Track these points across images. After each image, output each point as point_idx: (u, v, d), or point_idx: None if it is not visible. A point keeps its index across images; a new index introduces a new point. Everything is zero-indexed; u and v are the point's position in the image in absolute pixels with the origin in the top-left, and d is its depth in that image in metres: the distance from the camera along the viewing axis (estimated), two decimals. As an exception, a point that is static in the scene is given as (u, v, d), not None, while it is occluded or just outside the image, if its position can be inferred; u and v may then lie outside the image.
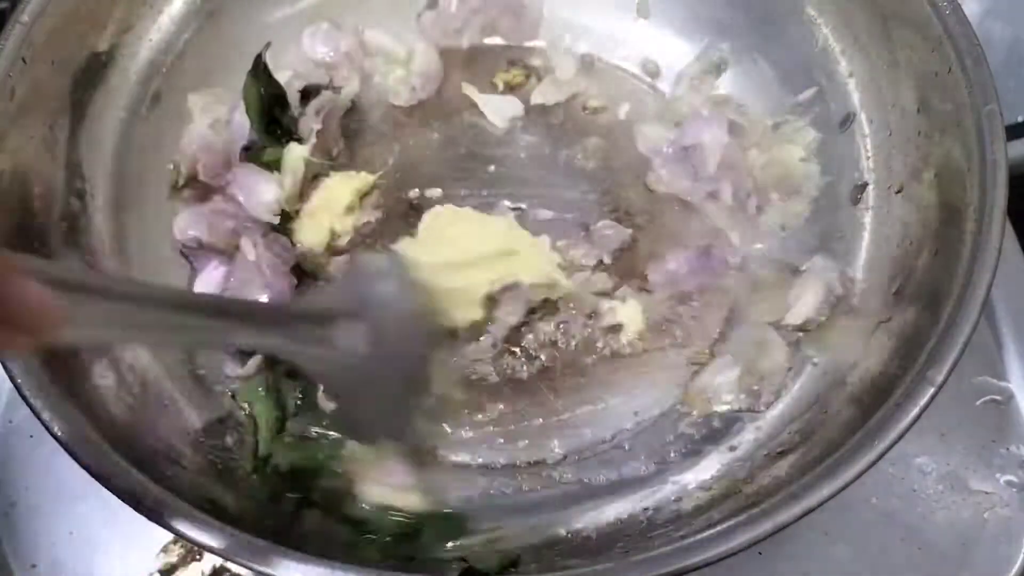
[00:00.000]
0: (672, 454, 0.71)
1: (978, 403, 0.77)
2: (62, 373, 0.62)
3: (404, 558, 0.64)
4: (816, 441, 0.64)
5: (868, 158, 0.79)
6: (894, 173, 0.76)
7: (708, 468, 0.69)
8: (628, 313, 0.78)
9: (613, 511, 0.68)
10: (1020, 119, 0.87)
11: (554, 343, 0.77)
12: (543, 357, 0.77)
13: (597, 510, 0.68)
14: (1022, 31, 0.91)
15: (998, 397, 0.78)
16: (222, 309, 0.57)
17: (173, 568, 0.72)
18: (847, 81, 0.80)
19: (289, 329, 0.58)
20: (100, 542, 0.73)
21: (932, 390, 0.57)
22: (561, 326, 0.77)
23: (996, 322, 0.81)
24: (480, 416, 0.74)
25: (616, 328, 0.77)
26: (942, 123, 0.69)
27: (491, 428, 0.74)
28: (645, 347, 0.77)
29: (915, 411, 0.57)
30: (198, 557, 0.73)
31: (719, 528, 0.56)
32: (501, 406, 0.75)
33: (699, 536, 0.56)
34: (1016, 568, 0.72)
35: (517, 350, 0.77)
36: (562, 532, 0.67)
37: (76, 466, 0.58)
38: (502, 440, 0.74)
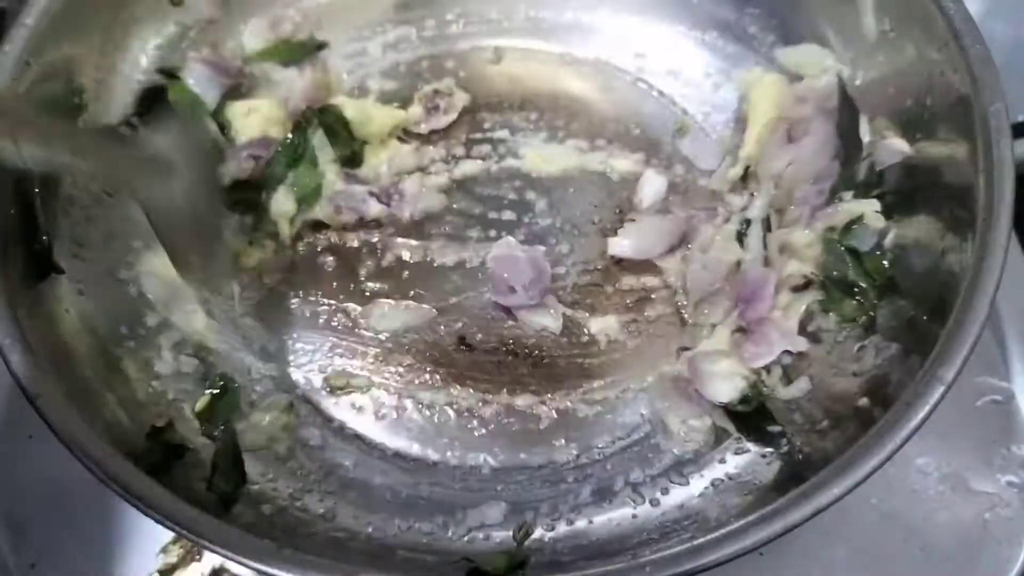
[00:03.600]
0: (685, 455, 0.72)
1: (979, 403, 0.77)
2: (63, 372, 0.62)
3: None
4: (826, 441, 0.64)
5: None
6: (900, 175, 0.76)
7: (717, 469, 0.70)
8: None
9: (625, 512, 0.69)
10: (1022, 118, 0.87)
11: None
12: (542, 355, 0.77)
13: (608, 511, 0.69)
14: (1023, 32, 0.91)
15: (999, 397, 0.78)
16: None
17: (172, 568, 0.72)
18: (853, 83, 0.80)
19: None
20: (100, 542, 0.72)
21: (942, 388, 0.57)
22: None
23: (998, 322, 0.81)
24: (486, 415, 0.75)
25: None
26: (948, 123, 0.69)
27: (497, 428, 0.74)
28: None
29: (926, 409, 0.57)
30: (197, 557, 0.72)
31: (729, 528, 0.55)
32: (506, 405, 0.75)
33: (709, 536, 0.55)
34: (1017, 568, 0.72)
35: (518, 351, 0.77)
36: (572, 532, 0.67)
37: (76, 466, 0.57)
38: (509, 442, 0.74)
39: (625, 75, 0.91)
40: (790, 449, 0.68)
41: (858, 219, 0.75)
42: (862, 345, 0.70)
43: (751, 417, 0.72)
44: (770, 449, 0.69)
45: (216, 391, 0.73)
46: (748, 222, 0.80)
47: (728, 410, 0.72)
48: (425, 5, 0.93)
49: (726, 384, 0.73)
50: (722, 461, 0.70)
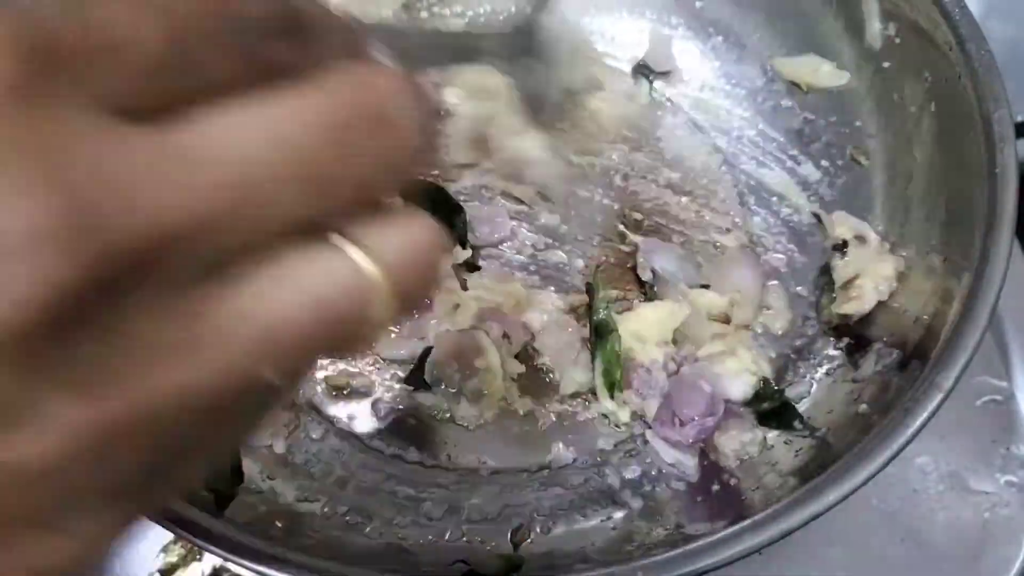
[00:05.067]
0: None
1: (978, 403, 0.77)
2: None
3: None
4: (824, 447, 0.64)
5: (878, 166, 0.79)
6: (903, 181, 0.76)
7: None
8: None
9: (622, 515, 0.69)
10: (1020, 119, 0.86)
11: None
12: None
13: (606, 513, 0.69)
14: (1023, 32, 0.91)
15: (998, 397, 0.78)
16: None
17: (173, 568, 0.72)
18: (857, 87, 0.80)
19: None
20: (101, 541, 0.72)
21: (940, 395, 0.57)
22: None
23: (998, 322, 0.81)
24: (488, 416, 0.75)
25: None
26: (952, 128, 0.69)
27: (496, 430, 0.74)
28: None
29: (923, 416, 0.56)
30: (199, 557, 0.72)
31: (725, 532, 0.55)
32: (504, 407, 0.75)
33: (704, 540, 0.55)
34: (1016, 568, 0.72)
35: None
36: (569, 535, 0.67)
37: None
38: (507, 444, 0.74)
39: (624, 79, 0.90)
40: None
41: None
42: (864, 352, 0.70)
43: (777, 415, 0.71)
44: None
45: None
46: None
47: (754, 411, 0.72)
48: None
49: (737, 382, 0.73)
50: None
